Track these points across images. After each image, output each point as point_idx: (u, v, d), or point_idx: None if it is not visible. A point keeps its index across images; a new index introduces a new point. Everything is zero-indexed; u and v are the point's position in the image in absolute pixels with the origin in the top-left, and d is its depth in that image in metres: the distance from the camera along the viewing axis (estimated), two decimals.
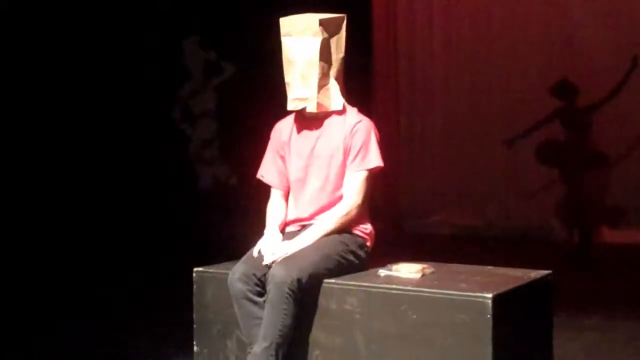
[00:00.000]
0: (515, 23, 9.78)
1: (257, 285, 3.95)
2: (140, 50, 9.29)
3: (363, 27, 9.82)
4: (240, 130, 9.39)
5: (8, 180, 8.13)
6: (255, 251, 4.06)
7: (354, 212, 4.10)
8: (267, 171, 4.32)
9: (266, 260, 3.96)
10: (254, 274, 3.95)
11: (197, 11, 9.74)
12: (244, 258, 4.06)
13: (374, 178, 4.17)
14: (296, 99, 4.13)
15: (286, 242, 4.05)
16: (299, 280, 3.84)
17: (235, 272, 3.97)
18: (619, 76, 9.07)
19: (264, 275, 3.94)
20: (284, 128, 4.29)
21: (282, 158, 4.28)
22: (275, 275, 3.84)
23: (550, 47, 9.58)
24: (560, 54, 9.52)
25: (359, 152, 4.10)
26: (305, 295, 3.91)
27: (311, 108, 4.12)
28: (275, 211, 4.26)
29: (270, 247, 4.01)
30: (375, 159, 4.11)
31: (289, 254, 3.96)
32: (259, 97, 9.16)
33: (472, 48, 10.04)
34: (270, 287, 3.85)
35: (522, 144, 9.46)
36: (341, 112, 4.17)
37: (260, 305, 3.94)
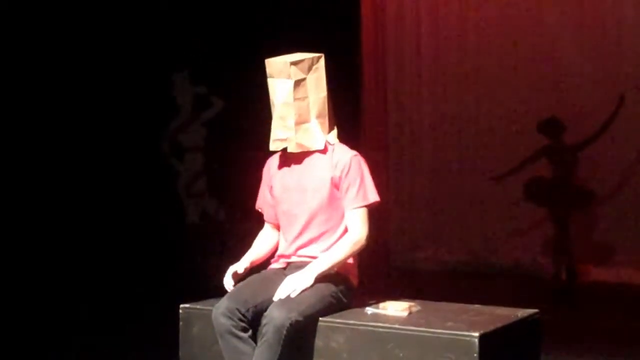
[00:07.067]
0: (502, 61, 9.82)
1: (241, 320, 3.95)
2: (130, 84, 9.30)
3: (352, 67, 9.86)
4: (228, 165, 9.39)
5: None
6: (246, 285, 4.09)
7: (362, 244, 4.12)
8: (261, 203, 4.43)
9: (281, 296, 3.94)
10: (238, 309, 3.95)
11: (187, 45, 9.77)
12: (228, 294, 4.07)
13: (372, 212, 4.19)
14: (277, 139, 4.20)
15: (297, 274, 4.03)
16: (297, 322, 3.85)
17: (219, 307, 3.98)
18: (606, 114, 9.12)
19: (248, 310, 3.96)
20: (272, 163, 4.38)
21: (271, 192, 4.35)
22: (275, 317, 3.84)
23: (538, 84, 9.61)
24: (548, 91, 9.54)
25: (358, 188, 4.12)
26: (299, 336, 3.90)
27: (291, 148, 4.18)
28: (259, 242, 4.40)
29: (290, 283, 3.98)
30: (373, 194, 4.15)
31: (299, 289, 3.95)
32: (248, 132, 9.16)
33: (459, 86, 10.08)
34: (268, 327, 3.85)
35: (510, 180, 9.49)
36: (324, 150, 4.20)
37: (245, 341, 3.94)
